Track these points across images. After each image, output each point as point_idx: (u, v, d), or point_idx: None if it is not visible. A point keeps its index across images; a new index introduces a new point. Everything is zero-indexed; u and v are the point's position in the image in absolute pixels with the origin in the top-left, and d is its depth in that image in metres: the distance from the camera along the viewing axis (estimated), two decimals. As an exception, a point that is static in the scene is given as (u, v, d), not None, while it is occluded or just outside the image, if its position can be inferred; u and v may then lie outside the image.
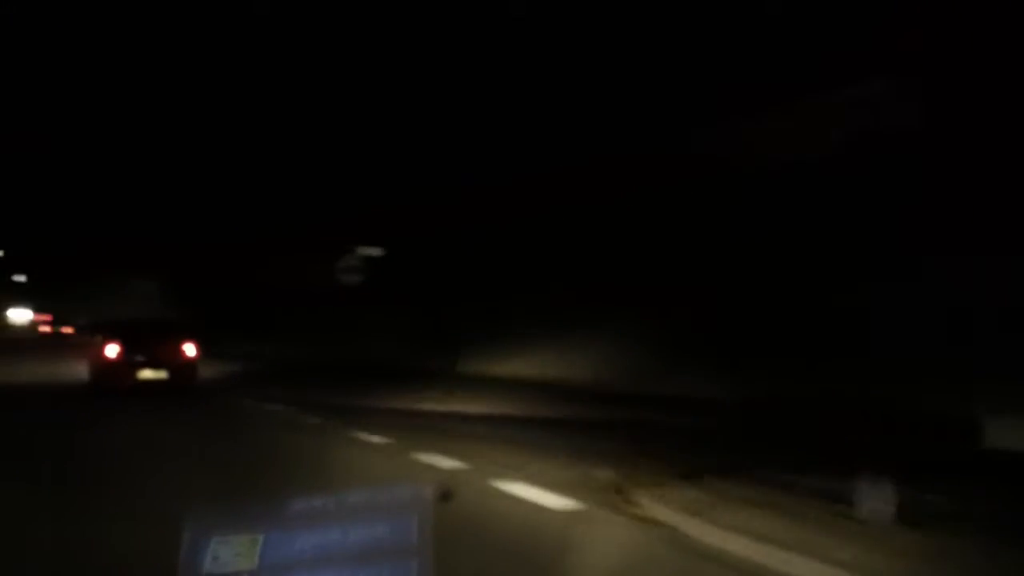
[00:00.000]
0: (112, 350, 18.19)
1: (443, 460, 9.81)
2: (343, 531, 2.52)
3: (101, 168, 44.47)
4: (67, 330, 27.68)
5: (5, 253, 78.49)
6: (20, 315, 62.82)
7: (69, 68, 41.28)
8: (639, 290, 19.98)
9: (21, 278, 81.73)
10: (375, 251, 21.46)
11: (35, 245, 62.97)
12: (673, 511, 7.22)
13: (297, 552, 2.50)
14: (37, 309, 64.34)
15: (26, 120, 48.12)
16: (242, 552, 2.50)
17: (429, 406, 16.94)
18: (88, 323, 27.71)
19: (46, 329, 44.05)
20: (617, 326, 19.73)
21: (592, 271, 21.49)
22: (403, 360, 24.85)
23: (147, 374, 18.08)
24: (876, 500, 6.65)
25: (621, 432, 12.96)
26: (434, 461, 9.79)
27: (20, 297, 74.45)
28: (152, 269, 41.03)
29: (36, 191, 53.23)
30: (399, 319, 26.93)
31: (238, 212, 34.75)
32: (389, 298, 25.63)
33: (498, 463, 9.64)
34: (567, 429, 13.56)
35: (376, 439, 11.84)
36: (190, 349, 18.87)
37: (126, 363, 18.02)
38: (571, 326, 20.82)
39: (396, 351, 25.89)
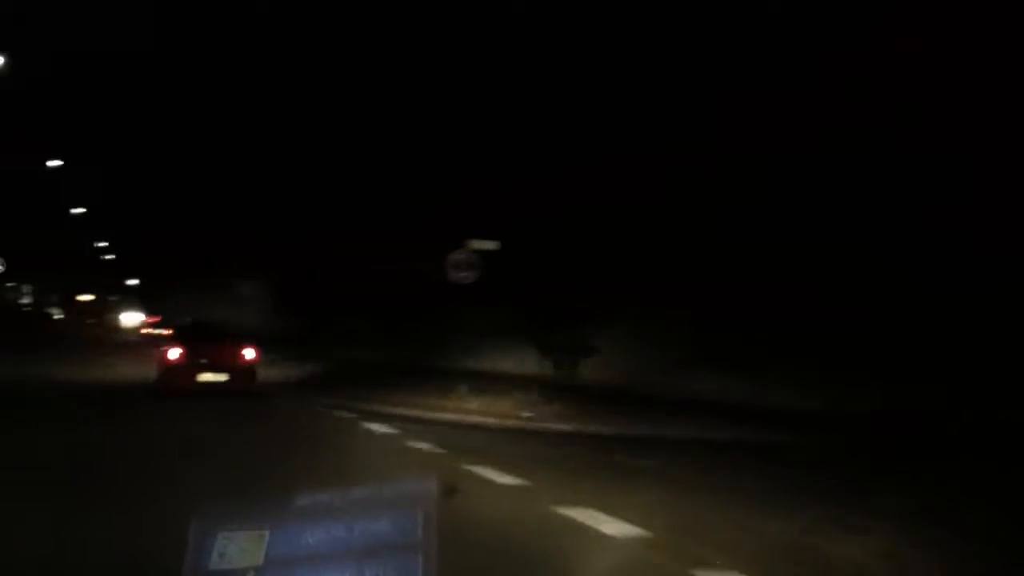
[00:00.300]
0: (175, 353, 19.16)
1: (607, 522, 6.98)
2: (348, 527, 2.54)
3: (206, 169, 45.80)
4: (167, 332, 28.87)
5: (118, 257, 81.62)
6: (131, 318, 65.11)
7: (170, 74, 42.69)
8: (712, 291, 19.75)
9: (134, 282, 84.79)
10: (489, 245, 19.95)
11: (146, 248, 65.10)
12: None
13: (303, 548, 2.53)
14: (149, 312, 66.40)
15: (134, 124, 49.92)
16: (248, 548, 2.52)
17: (555, 425, 15.40)
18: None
19: (147, 331, 45.80)
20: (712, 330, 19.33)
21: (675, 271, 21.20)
22: (515, 366, 23.56)
23: (207, 377, 18.73)
24: None
25: (816, 464, 11.01)
26: (596, 523, 7.00)
27: (133, 301, 77.33)
28: (258, 270, 41.93)
29: (147, 194, 55.16)
30: (510, 319, 25.62)
31: (344, 207, 34.95)
32: (499, 296, 24.70)
33: (687, 528, 7.04)
34: (734, 458, 11.63)
35: (505, 479, 9.23)
36: (249, 353, 19.57)
37: (188, 366, 18.82)
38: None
39: (507, 355, 25.01)
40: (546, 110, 24.42)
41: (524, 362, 23.56)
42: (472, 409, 17.42)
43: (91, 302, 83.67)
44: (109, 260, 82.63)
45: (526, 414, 16.68)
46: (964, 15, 15.28)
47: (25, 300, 73.91)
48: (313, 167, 36.32)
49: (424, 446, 11.79)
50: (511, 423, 15.81)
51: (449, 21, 28.50)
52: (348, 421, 15.38)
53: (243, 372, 19.20)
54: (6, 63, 30.08)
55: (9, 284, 65.92)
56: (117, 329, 61.53)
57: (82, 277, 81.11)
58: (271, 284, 41.39)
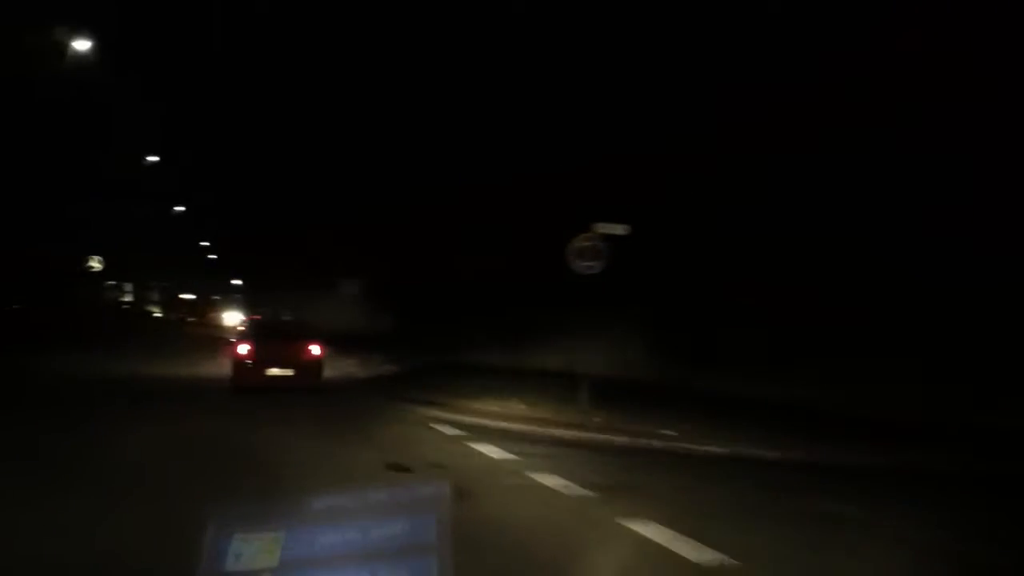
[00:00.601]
0: (244, 349, 20.74)
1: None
2: (363, 529, 2.59)
3: (306, 168, 46.68)
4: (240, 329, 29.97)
5: (219, 257, 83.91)
6: (232, 317, 67.24)
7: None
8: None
9: (237, 282, 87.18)
10: (619, 229, 17.52)
11: (248, 247, 66.81)
12: None
13: (318, 550, 2.58)
14: (251, 311, 68.23)
15: (235, 122, 51.17)
16: (264, 550, 2.58)
17: (704, 446, 13.58)
18: None
19: (240, 328, 47.40)
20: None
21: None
22: (631, 369, 21.62)
23: (274, 371, 20.31)
24: None
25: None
26: None
27: (237, 300, 79.69)
28: (356, 269, 42.38)
29: (250, 194, 56.53)
30: (626, 315, 22.97)
31: (446, 184, 34.51)
32: (615, 289, 22.30)
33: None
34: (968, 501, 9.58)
35: (696, 554, 6.65)
36: (315, 349, 21.16)
37: (256, 361, 20.36)
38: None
39: (622, 357, 22.01)
40: (545, 110, 24.73)
41: (642, 365, 22.38)
42: (599, 425, 15.60)
43: (193, 301, 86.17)
44: (212, 259, 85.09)
45: (666, 431, 14.88)
46: (964, 15, 15.51)
47: (126, 298, 76.31)
48: (416, 153, 36.44)
49: (557, 483, 9.59)
50: (653, 443, 14.11)
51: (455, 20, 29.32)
52: (453, 440, 13.52)
53: (308, 367, 20.74)
54: (93, 48, 31.03)
55: (109, 282, 68.17)
56: (219, 327, 63.27)
57: (184, 276, 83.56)
58: (369, 282, 41.77)
